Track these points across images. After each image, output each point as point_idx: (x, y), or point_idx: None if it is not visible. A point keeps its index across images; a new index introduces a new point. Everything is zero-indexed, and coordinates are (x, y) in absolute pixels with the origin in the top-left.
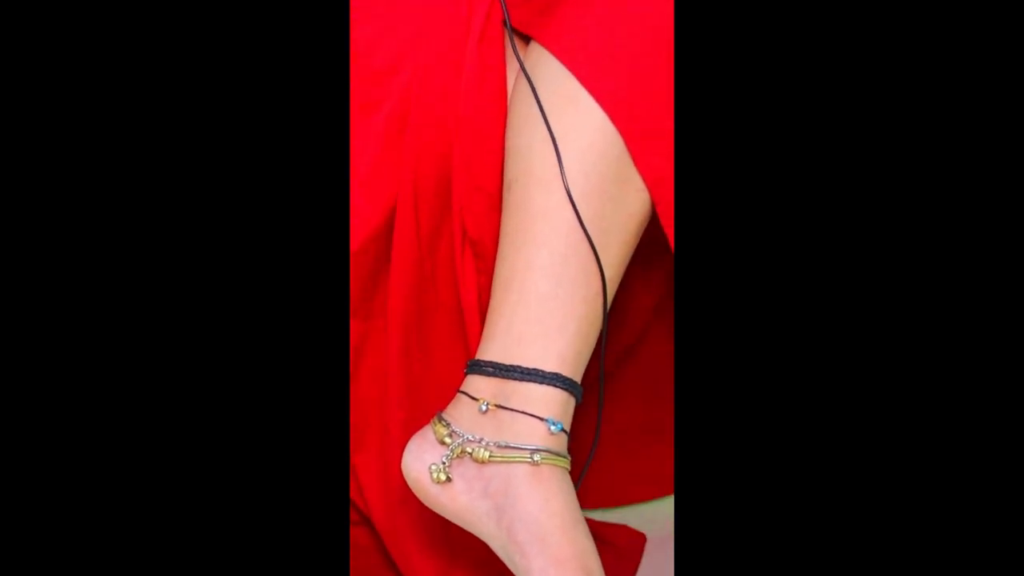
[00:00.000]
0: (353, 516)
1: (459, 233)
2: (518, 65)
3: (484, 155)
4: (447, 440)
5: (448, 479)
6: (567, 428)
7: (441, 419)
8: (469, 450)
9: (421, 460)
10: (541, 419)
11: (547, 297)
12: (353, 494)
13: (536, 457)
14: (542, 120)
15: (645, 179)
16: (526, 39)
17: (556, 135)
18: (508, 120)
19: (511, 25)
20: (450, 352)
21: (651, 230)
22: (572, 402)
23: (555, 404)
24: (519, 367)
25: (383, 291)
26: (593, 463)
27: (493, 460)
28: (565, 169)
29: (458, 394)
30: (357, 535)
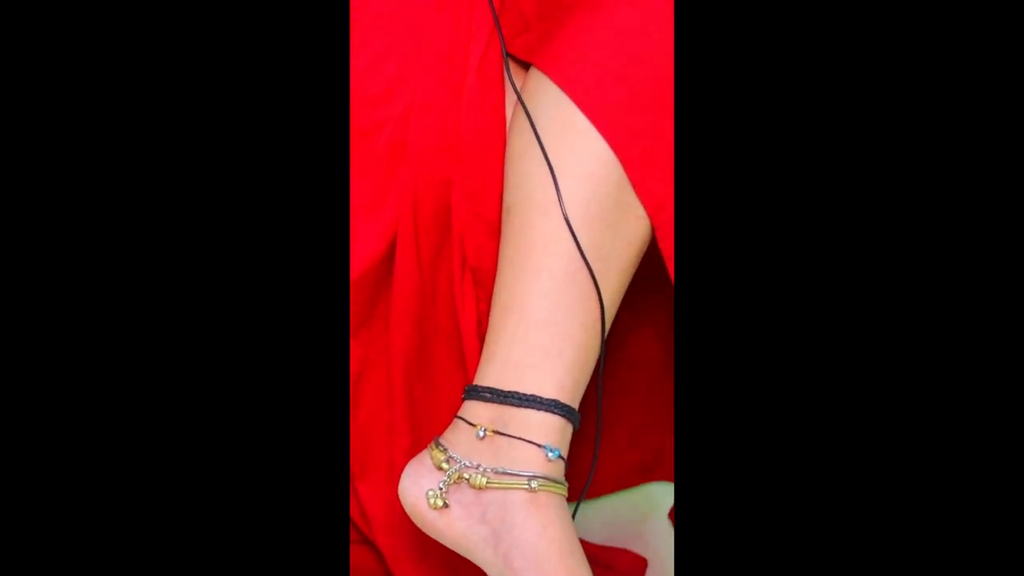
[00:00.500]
0: (353, 535)
1: (458, 260)
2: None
3: (483, 181)
4: (444, 466)
5: (445, 505)
6: (565, 455)
7: (438, 444)
8: (466, 476)
9: (418, 485)
10: (539, 446)
11: (546, 323)
12: (355, 516)
13: (534, 484)
14: (540, 147)
15: (645, 206)
16: (526, 66)
17: (555, 162)
18: (507, 147)
19: (509, 52)
20: (451, 378)
21: (650, 259)
22: (570, 429)
23: (553, 431)
24: (517, 393)
25: (383, 316)
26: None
27: (490, 486)
28: (564, 196)
29: (455, 420)
30: (358, 557)
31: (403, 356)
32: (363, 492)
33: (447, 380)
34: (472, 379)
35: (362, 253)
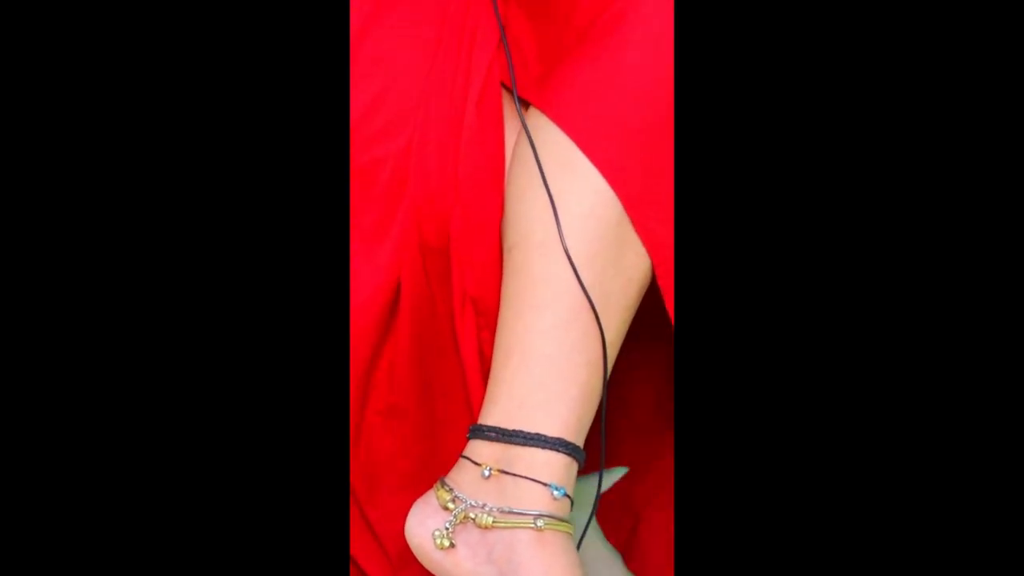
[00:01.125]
0: (353, 572)
1: (459, 290)
2: (518, 126)
3: (483, 214)
4: (450, 505)
5: (451, 545)
6: (570, 493)
7: (444, 484)
8: (472, 515)
9: (424, 526)
10: (544, 484)
11: (549, 362)
12: (355, 551)
13: (539, 523)
14: (542, 185)
15: (645, 244)
16: (525, 104)
17: (555, 199)
18: (507, 184)
19: (508, 89)
20: (455, 408)
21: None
22: (575, 467)
23: (558, 469)
24: (522, 432)
25: (390, 347)
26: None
27: (496, 525)
28: (564, 234)
29: (461, 459)
30: None
31: (408, 385)
32: (373, 519)
33: (452, 409)
34: (476, 409)
35: (366, 288)
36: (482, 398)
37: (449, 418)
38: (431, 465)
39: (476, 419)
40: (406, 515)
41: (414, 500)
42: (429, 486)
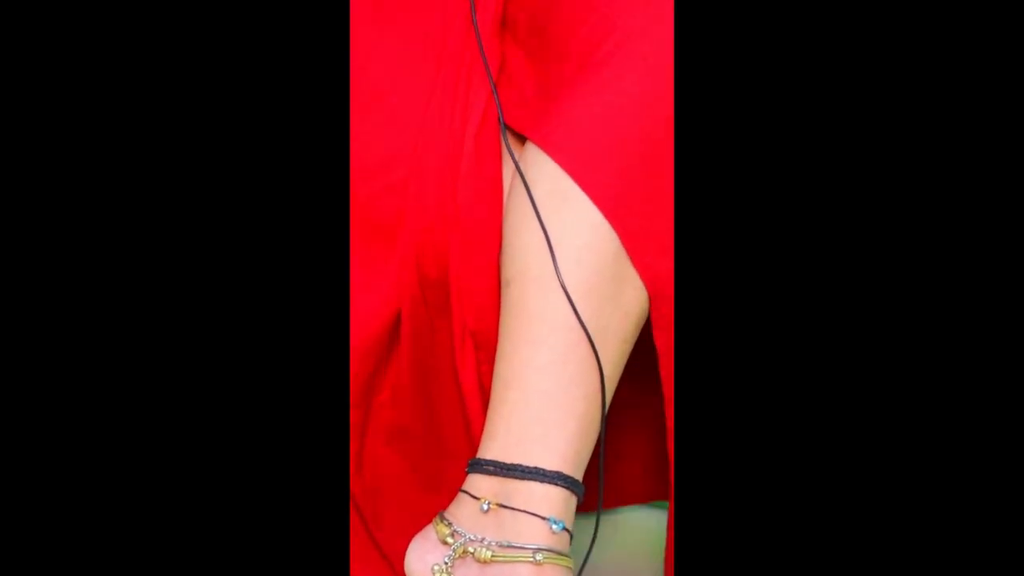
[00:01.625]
0: None
1: (459, 323)
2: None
3: (482, 248)
4: (449, 540)
5: None
6: (570, 527)
7: (443, 519)
8: (471, 550)
9: (424, 561)
10: (543, 518)
11: (546, 396)
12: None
13: (539, 556)
14: (537, 219)
15: (643, 279)
16: (522, 138)
17: (551, 234)
18: (504, 219)
19: (506, 123)
20: (457, 441)
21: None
22: (574, 500)
23: (557, 503)
24: (520, 466)
25: (391, 378)
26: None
27: (496, 560)
28: (561, 268)
29: (460, 493)
30: None
31: (411, 410)
32: (382, 540)
33: (454, 435)
34: (476, 439)
35: (365, 318)
36: (482, 429)
37: (452, 444)
38: (437, 487)
39: (476, 448)
40: (413, 536)
41: (421, 521)
42: (436, 507)
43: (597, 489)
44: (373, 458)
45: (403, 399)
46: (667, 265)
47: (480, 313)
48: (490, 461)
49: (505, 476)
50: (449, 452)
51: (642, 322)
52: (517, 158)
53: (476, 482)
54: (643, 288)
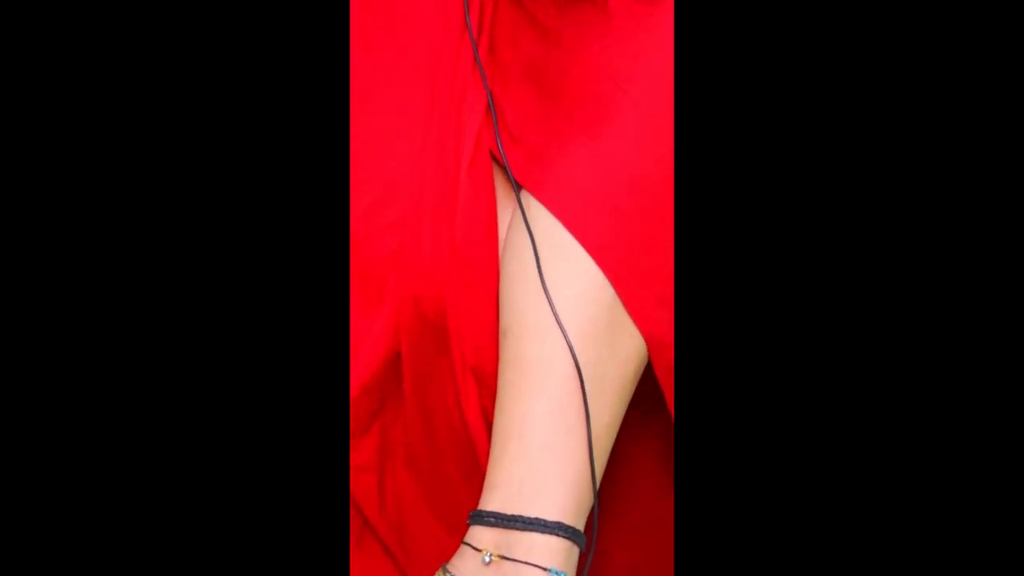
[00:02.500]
0: None
1: (459, 360)
2: (510, 197)
3: (479, 286)
4: None
5: None
6: None
7: (445, 571)
8: None
9: None
10: (545, 569)
11: (546, 447)
12: None
13: None
14: (535, 267)
15: (640, 327)
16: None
17: (548, 282)
18: (501, 267)
19: (496, 158)
20: (464, 475)
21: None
22: (575, 551)
23: (558, 554)
24: (521, 517)
25: (393, 414)
26: None
27: None
28: (559, 317)
29: (462, 545)
30: None
31: (421, 441)
32: (404, 562)
33: (463, 464)
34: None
35: (362, 355)
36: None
37: (461, 475)
38: (455, 512)
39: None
40: (439, 555)
41: (446, 542)
42: (457, 529)
43: (591, 539)
44: (395, 486)
45: (412, 433)
46: (667, 315)
47: (480, 352)
48: (491, 513)
49: (506, 527)
50: (459, 483)
51: (642, 368)
52: (504, 193)
53: (478, 534)
54: (639, 335)
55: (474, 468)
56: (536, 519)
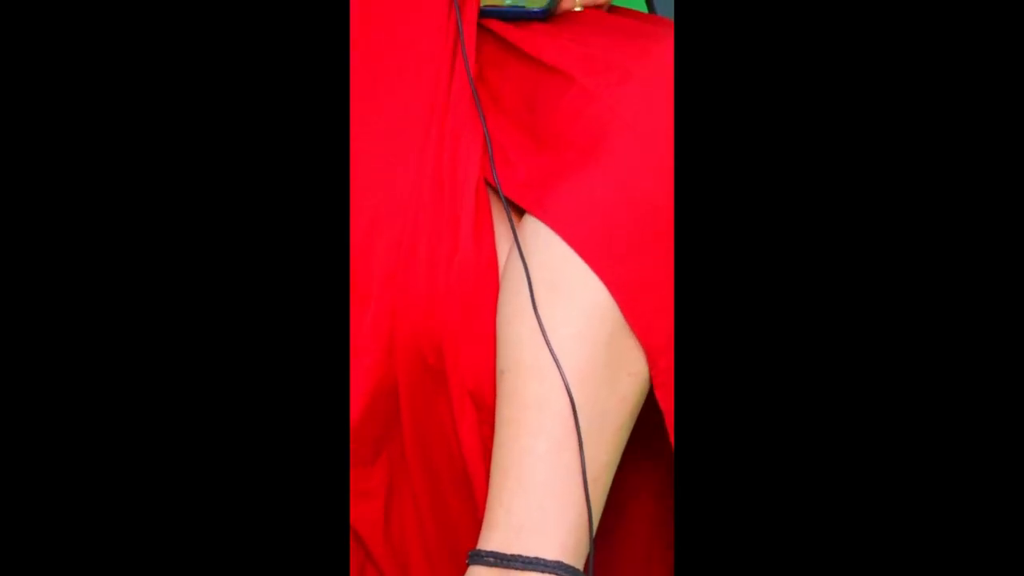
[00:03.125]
0: None
1: (456, 388)
2: (507, 235)
3: (476, 324)
4: None
5: None
6: None
7: None
8: None
9: None
10: None
11: (545, 486)
12: None
13: None
14: (531, 307)
15: (646, 350)
16: (518, 211)
17: (546, 319)
18: (499, 307)
19: (491, 183)
20: (462, 509)
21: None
22: None
23: None
24: (520, 557)
25: (397, 442)
26: None
27: None
28: (556, 356)
29: None
30: None
31: (417, 484)
32: None
33: (461, 498)
34: (481, 505)
35: (357, 387)
36: (486, 490)
37: (461, 506)
38: (456, 546)
39: (482, 515)
40: None
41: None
42: (459, 565)
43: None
44: (400, 518)
45: (414, 466)
46: (669, 340)
47: (477, 371)
48: (490, 552)
49: (506, 567)
50: (460, 516)
51: (640, 405)
52: (503, 229)
53: (477, 574)
54: (639, 372)
55: (473, 500)
56: (536, 558)
